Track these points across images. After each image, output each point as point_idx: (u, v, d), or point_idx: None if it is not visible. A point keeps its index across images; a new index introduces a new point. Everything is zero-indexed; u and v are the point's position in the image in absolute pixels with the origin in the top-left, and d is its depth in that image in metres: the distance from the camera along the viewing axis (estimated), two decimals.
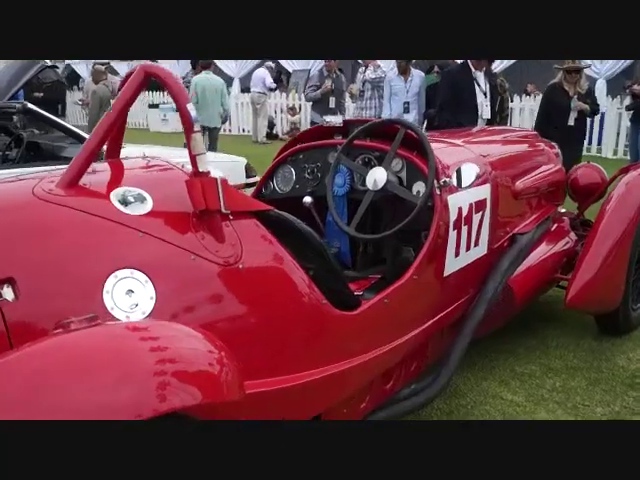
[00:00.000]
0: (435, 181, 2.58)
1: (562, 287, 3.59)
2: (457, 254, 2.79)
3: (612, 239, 3.40)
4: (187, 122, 1.88)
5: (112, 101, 6.30)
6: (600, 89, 12.14)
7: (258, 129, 14.25)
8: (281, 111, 15.72)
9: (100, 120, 1.97)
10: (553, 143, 4.26)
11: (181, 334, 1.54)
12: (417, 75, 7.46)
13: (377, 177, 2.67)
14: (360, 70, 9.93)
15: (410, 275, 2.47)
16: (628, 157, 9.28)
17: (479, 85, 5.81)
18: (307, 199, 2.92)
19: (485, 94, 5.84)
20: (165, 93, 17.79)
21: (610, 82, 12.30)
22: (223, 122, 9.42)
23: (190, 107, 1.87)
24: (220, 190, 1.87)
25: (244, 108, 16.08)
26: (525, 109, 12.79)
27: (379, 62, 8.71)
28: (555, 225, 3.84)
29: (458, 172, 2.51)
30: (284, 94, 15.67)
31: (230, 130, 16.46)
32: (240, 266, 1.88)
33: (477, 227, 2.95)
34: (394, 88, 7.39)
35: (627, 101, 10.11)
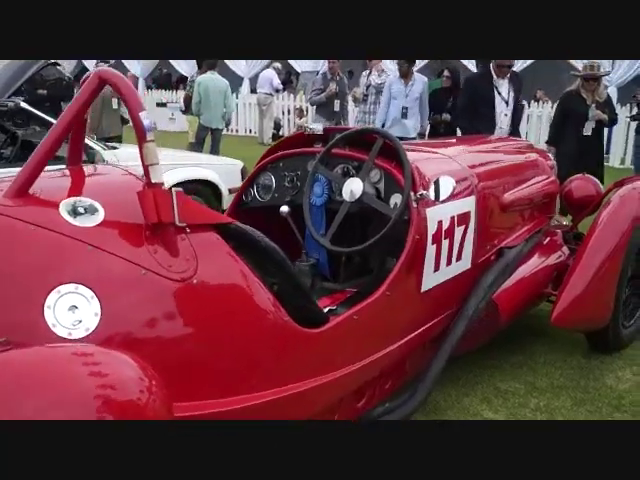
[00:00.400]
0: (412, 193, 2.50)
1: (552, 302, 3.50)
2: (437, 269, 2.71)
3: (602, 254, 3.31)
4: (140, 131, 1.81)
5: (114, 99, 6.26)
6: (611, 97, 12.00)
7: (264, 130, 14.20)
8: (288, 112, 15.67)
9: (53, 126, 1.91)
10: (549, 154, 4.17)
11: (111, 360, 1.48)
12: (419, 80, 7.17)
13: (353, 188, 2.59)
14: (364, 74, 9.84)
15: (383, 291, 2.40)
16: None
17: (500, 94, 5.57)
18: (284, 208, 2.84)
19: (507, 103, 5.60)
20: (172, 92, 17.81)
21: (621, 90, 12.15)
22: (227, 124, 9.35)
23: (143, 115, 1.81)
24: (175, 202, 1.81)
25: (251, 109, 16.04)
26: (533, 115, 12.67)
27: (383, 66, 8.61)
28: (547, 238, 3.75)
29: (436, 184, 2.43)
30: (291, 95, 15.62)
31: (237, 131, 16.44)
32: (195, 281, 1.81)
33: (460, 241, 2.87)
34: (394, 92, 7.10)
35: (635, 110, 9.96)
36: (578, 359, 3.63)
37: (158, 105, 17.69)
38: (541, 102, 12.86)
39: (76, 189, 1.91)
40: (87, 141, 5.04)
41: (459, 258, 2.89)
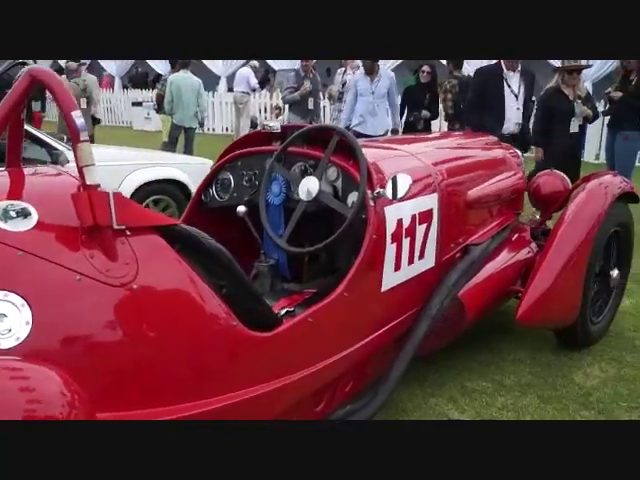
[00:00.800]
0: (369, 192, 2.44)
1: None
2: (398, 268, 2.66)
3: (569, 250, 3.27)
4: (73, 131, 1.74)
5: (82, 99, 6.13)
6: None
7: (241, 129, 14.08)
8: (265, 111, 15.57)
9: None
10: (516, 150, 4.13)
11: (33, 374, 1.40)
12: (385, 76, 7.02)
13: (310, 187, 2.53)
14: (339, 71, 9.78)
15: (340, 292, 2.34)
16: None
17: (510, 87, 5.45)
18: (241, 208, 2.78)
19: (517, 96, 5.49)
20: (148, 91, 17.64)
21: (595, 86, 12.18)
22: (200, 123, 9.25)
23: (76, 115, 1.73)
24: (112, 204, 1.73)
25: (228, 107, 15.93)
26: None
27: (359, 63, 8.55)
28: (515, 235, 3.71)
29: (394, 182, 2.37)
30: (268, 94, 15.53)
31: (214, 129, 16.33)
32: (135, 286, 1.74)
33: (422, 239, 2.82)
34: (360, 89, 6.93)
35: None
36: (547, 356, 3.60)
37: (134, 104, 17.55)
38: None
39: (9, 192, 1.82)
40: (50, 141, 4.95)
41: (422, 257, 2.84)
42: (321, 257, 3.05)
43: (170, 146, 9.31)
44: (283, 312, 2.45)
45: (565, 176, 4.00)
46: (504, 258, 3.45)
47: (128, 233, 1.78)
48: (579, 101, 5.62)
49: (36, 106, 12.41)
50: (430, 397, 3.15)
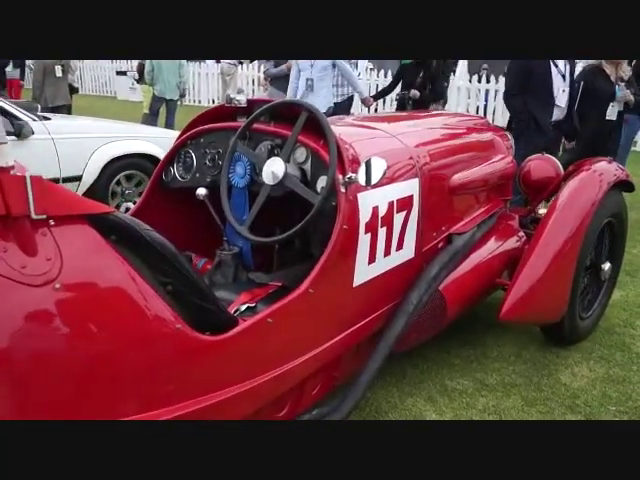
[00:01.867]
0: (340, 177, 2.19)
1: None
2: (372, 260, 2.42)
3: (558, 242, 3.03)
4: None
5: (57, 67, 5.81)
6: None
7: None
8: (253, 83, 15.19)
9: None
10: (506, 132, 3.88)
11: None
12: None
13: (275, 169, 2.27)
14: None
15: (304, 289, 2.09)
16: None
17: (557, 66, 4.83)
18: (201, 191, 2.53)
19: (564, 77, 4.90)
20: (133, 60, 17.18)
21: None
22: (182, 95, 8.92)
23: None
24: (30, 190, 1.47)
25: (215, 79, 15.54)
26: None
27: None
28: (502, 223, 3.48)
29: (367, 166, 2.12)
30: (256, 66, 15.12)
31: (200, 101, 15.95)
32: (57, 285, 1.49)
33: (400, 228, 2.57)
34: (300, 63, 6.27)
35: None
36: (532, 353, 3.39)
37: (118, 73, 17.12)
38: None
39: None
40: (14, 111, 4.65)
41: (400, 247, 2.60)
42: (295, 243, 2.81)
43: (152, 118, 8.99)
44: (243, 308, 2.21)
45: (557, 161, 3.76)
46: (490, 248, 3.21)
47: (51, 223, 1.52)
48: (622, 83, 5.04)
49: (14, 74, 12.03)
50: (408, 397, 2.94)
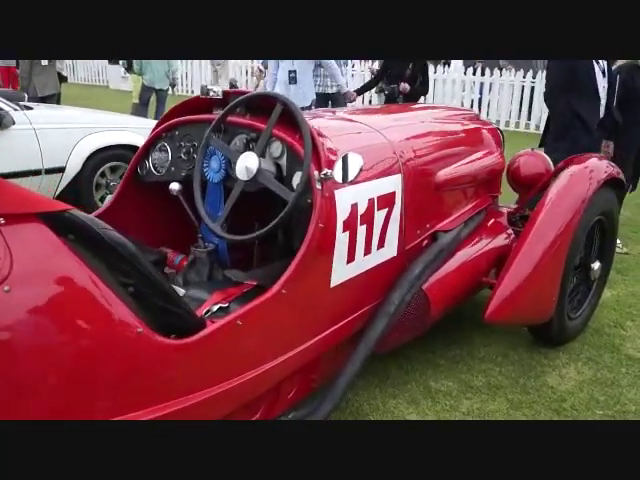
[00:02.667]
0: (316, 173, 2.10)
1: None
2: (351, 259, 2.33)
3: (547, 240, 2.94)
4: None
5: (43, 60, 5.65)
6: None
7: None
8: (246, 73, 15.06)
9: None
10: (495, 126, 3.79)
11: None
12: None
13: (248, 164, 2.18)
14: None
15: (277, 290, 2.01)
16: None
17: (598, 63, 4.51)
18: (174, 186, 2.44)
19: (603, 73, 4.58)
20: None
21: None
22: (172, 84, 8.80)
23: None
24: None
25: (208, 67, 15.39)
26: (505, 85, 12.31)
27: None
28: (490, 220, 3.39)
29: (344, 162, 2.03)
30: None
31: (193, 91, 15.81)
32: (6, 288, 1.40)
33: (382, 226, 2.49)
34: None
35: None
36: (520, 354, 3.31)
37: (110, 63, 16.93)
38: (507, 71, 12.49)
39: None
40: None
41: (381, 246, 2.51)
42: (278, 238, 2.72)
43: (142, 108, 8.87)
44: (215, 309, 2.12)
45: (547, 157, 3.67)
46: (477, 246, 3.13)
47: (1, 222, 1.43)
48: None
49: (10, 62, 11.82)
50: (390, 398, 2.86)
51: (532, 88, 12.06)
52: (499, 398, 2.90)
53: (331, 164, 2.11)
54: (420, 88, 6.84)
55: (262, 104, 2.32)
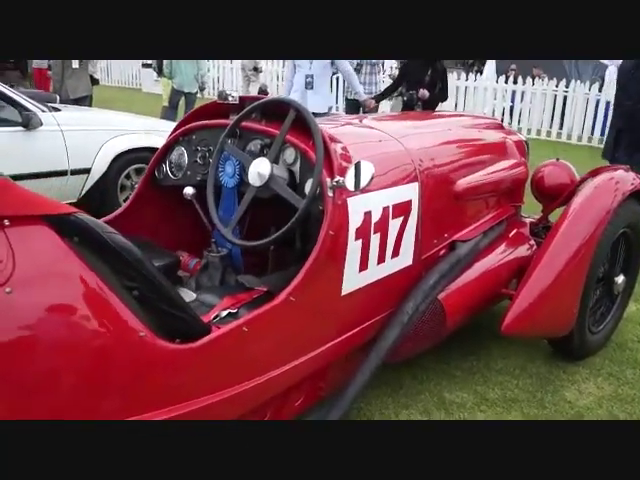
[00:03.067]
0: (328, 180, 2.08)
1: None
2: (364, 268, 2.30)
3: (569, 251, 2.88)
4: None
5: (75, 60, 5.74)
6: (610, 76, 11.54)
7: None
8: (277, 79, 15.11)
9: None
10: (520, 135, 3.73)
11: None
12: None
13: (260, 170, 2.17)
14: None
15: (285, 297, 1.99)
16: None
17: None
18: (188, 190, 2.44)
19: None
20: None
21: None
22: (201, 88, 8.86)
23: None
24: None
25: (239, 72, 15.47)
26: (537, 93, 12.16)
27: None
28: (512, 230, 3.34)
29: (357, 169, 2.01)
30: (281, 61, 15.03)
31: None
32: (8, 290, 1.41)
33: (397, 234, 2.46)
34: (297, 60, 5.80)
35: None
36: (538, 367, 3.25)
37: (144, 66, 17.12)
38: (540, 79, 12.34)
39: None
40: (22, 101, 4.60)
41: (396, 254, 2.48)
42: (296, 243, 2.71)
43: (171, 111, 8.94)
44: (224, 314, 2.11)
45: (572, 167, 3.61)
46: (497, 256, 3.08)
47: (5, 223, 1.44)
48: None
49: (42, 63, 12.02)
50: (403, 409, 2.82)
51: (564, 97, 11.90)
52: (514, 412, 2.85)
53: (344, 171, 2.09)
54: (439, 94, 6.76)
55: (277, 110, 2.31)
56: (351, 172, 2.01)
